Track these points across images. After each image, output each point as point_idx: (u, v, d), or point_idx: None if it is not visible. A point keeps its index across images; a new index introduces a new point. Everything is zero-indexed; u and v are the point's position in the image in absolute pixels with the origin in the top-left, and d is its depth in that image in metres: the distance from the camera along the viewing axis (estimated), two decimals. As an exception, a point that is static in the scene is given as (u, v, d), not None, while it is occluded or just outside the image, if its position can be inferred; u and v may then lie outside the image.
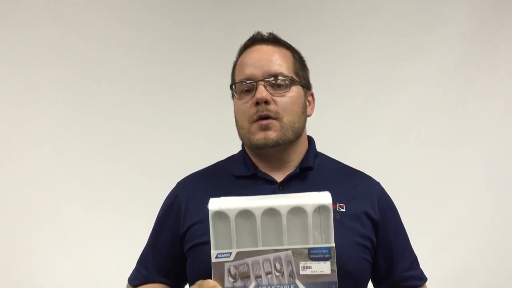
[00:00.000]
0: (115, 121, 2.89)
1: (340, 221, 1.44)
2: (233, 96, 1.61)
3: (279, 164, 1.57)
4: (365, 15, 2.97)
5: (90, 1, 2.88)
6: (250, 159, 1.61)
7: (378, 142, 2.93)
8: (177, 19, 2.97)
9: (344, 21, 2.98)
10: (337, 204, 1.48)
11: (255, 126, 1.51)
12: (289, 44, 1.62)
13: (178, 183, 1.67)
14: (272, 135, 1.49)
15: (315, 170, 1.59)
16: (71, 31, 2.85)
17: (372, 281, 1.61)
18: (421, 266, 1.68)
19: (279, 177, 1.56)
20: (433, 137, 2.92)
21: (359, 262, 1.48)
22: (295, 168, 1.57)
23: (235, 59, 1.64)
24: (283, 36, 1.62)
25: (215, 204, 1.22)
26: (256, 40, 1.59)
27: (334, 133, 2.76)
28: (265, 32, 1.61)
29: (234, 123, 1.61)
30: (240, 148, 1.67)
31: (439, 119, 2.93)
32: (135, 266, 1.68)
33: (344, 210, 1.49)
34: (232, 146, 1.69)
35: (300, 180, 1.54)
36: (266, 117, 1.49)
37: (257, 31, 1.61)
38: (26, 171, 2.77)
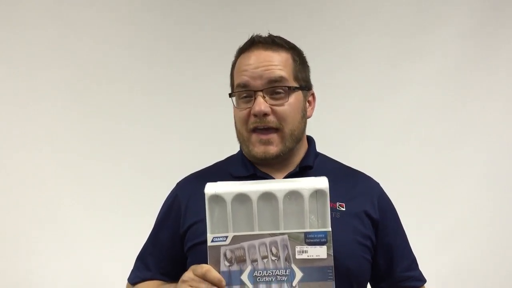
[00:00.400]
0: (115, 121, 2.88)
1: (340, 220, 1.44)
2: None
3: (279, 165, 1.57)
4: (365, 15, 2.96)
5: (90, 2, 2.88)
6: (248, 159, 1.60)
7: (378, 142, 2.92)
8: (177, 19, 2.96)
9: (344, 21, 2.97)
10: (337, 203, 1.48)
11: (254, 137, 1.51)
12: (288, 44, 1.60)
13: (178, 184, 1.67)
14: (272, 149, 1.50)
15: (315, 170, 1.59)
16: (71, 31, 2.84)
17: (370, 281, 1.61)
18: (421, 266, 1.68)
19: (278, 176, 1.56)
20: (433, 137, 2.91)
21: (360, 261, 1.48)
22: (295, 168, 1.57)
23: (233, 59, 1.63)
24: (283, 36, 1.62)
25: (212, 188, 1.23)
26: (254, 43, 1.57)
27: (334, 133, 2.76)
28: (264, 32, 1.59)
29: (234, 124, 1.61)
30: (239, 148, 1.67)
31: (439, 119, 2.91)
32: (134, 265, 1.68)
33: (344, 209, 1.49)
34: (232, 146, 1.69)
35: None
36: (267, 128, 1.49)
37: (255, 34, 1.59)
38: (26, 171, 2.76)
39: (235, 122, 1.59)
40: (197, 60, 2.95)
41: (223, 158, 1.72)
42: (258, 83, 1.49)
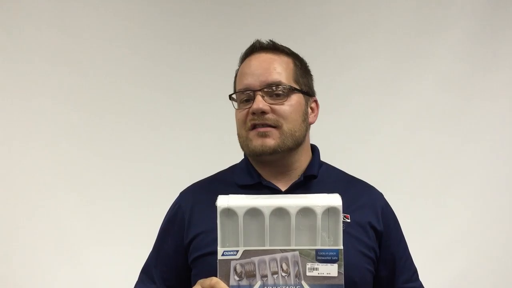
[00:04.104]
0: (117, 127, 2.89)
1: (345, 232, 1.40)
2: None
3: (283, 172, 1.56)
4: (368, 20, 2.97)
5: (92, 3, 2.87)
6: (253, 167, 1.60)
7: (382, 148, 2.93)
8: (183, 23, 2.96)
9: (347, 26, 2.98)
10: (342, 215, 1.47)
11: (253, 133, 1.50)
12: (290, 50, 1.60)
13: (180, 193, 1.66)
14: (270, 142, 1.49)
15: (319, 179, 1.58)
16: (71, 32, 2.83)
17: (371, 293, 1.61)
18: (424, 274, 1.68)
19: (283, 185, 1.55)
20: (437, 143, 2.92)
21: (365, 273, 1.48)
22: (299, 177, 1.56)
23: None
24: (286, 42, 1.61)
25: (224, 201, 1.21)
26: (255, 48, 1.58)
27: (338, 140, 2.80)
28: (265, 39, 1.60)
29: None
30: (242, 157, 1.67)
31: (443, 124, 2.93)
32: (139, 278, 1.66)
33: (349, 220, 1.49)
34: (237, 153, 1.67)
35: (304, 189, 1.52)
36: (265, 125, 1.49)
37: (256, 39, 1.60)
38: (27, 177, 2.75)
39: (236, 126, 1.59)
40: (200, 63, 2.95)
41: (227, 164, 1.71)
42: (257, 83, 1.50)
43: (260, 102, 1.48)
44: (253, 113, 1.48)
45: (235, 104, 1.58)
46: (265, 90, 1.49)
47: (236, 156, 1.67)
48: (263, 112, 1.47)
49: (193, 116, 2.93)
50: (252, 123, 1.49)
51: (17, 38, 2.76)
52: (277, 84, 1.50)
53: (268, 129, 1.49)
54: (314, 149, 1.66)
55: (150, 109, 2.91)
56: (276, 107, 1.49)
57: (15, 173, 2.73)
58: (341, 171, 1.69)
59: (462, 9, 2.91)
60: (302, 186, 1.54)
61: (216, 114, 2.81)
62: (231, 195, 1.24)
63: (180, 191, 1.66)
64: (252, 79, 1.51)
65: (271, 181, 1.55)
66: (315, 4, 2.98)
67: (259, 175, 1.57)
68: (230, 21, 2.96)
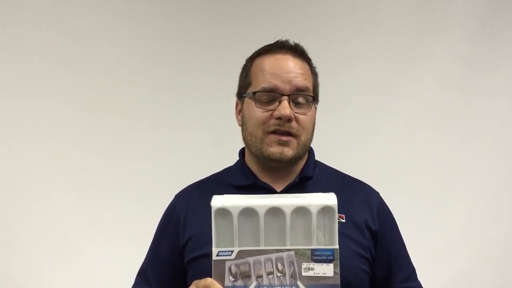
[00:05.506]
0: (117, 127, 2.87)
1: (340, 232, 1.40)
2: (240, 95, 1.60)
3: (280, 174, 1.56)
4: (368, 20, 2.96)
5: (92, 3, 2.86)
6: (249, 168, 1.59)
7: (380, 148, 2.92)
8: (183, 22, 2.94)
9: (347, 26, 2.97)
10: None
11: (272, 138, 1.49)
12: (309, 57, 1.60)
13: (176, 196, 1.66)
14: (288, 152, 1.49)
15: (314, 180, 1.58)
16: (71, 32, 2.82)
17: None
18: (424, 274, 1.67)
19: (278, 186, 1.55)
20: (437, 143, 2.91)
21: (360, 274, 1.48)
22: (294, 178, 1.56)
23: (251, 55, 1.61)
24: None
25: (218, 201, 1.21)
26: (284, 47, 1.55)
27: (338, 140, 2.80)
28: (271, 36, 1.60)
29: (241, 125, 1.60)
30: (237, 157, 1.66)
31: (443, 124, 2.92)
32: (135, 281, 1.66)
33: (344, 220, 1.49)
34: (234, 154, 1.68)
35: (299, 190, 1.49)
36: (287, 133, 1.48)
37: (285, 39, 1.58)
38: (27, 177, 2.75)
39: (244, 124, 1.57)
40: (202, 64, 2.93)
41: (224, 165, 1.70)
42: (286, 88, 1.48)
43: (287, 108, 1.47)
44: (279, 118, 1.47)
45: (252, 100, 1.53)
46: (292, 95, 1.49)
47: (236, 156, 1.67)
48: (289, 119, 1.47)
49: (193, 116, 2.91)
50: (274, 128, 1.48)
51: (17, 38, 2.75)
52: (305, 92, 1.50)
53: (290, 138, 1.49)
54: (309, 150, 1.65)
55: (150, 109, 2.90)
56: (300, 116, 1.50)
57: (15, 173, 2.73)
58: (335, 170, 1.69)
59: (462, 9, 2.90)
60: (297, 187, 1.54)
61: (216, 114, 2.81)
62: (225, 195, 1.23)
63: (180, 191, 1.66)
64: (281, 81, 1.49)
65: (266, 182, 1.55)
66: (315, 4, 2.96)
67: (255, 176, 1.57)
68: (230, 21, 2.93)
